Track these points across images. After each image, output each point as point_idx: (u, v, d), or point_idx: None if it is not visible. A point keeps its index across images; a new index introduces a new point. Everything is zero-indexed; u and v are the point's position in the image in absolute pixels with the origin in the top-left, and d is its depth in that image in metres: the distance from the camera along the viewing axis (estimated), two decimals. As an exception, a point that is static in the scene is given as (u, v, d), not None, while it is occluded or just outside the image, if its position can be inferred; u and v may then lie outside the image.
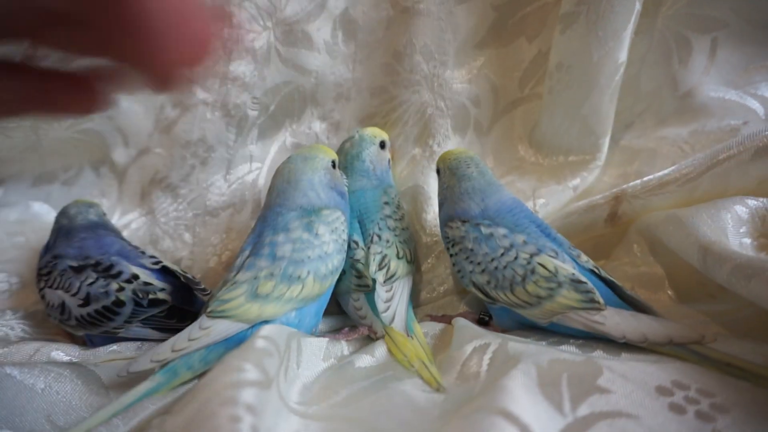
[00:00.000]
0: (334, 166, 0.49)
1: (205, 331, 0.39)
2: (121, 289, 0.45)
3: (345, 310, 0.49)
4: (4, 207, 0.59)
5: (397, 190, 0.55)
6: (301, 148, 0.48)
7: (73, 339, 0.49)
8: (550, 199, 0.54)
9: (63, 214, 0.53)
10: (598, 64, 0.51)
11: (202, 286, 0.44)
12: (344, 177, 0.51)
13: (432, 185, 0.57)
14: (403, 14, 0.57)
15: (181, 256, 0.58)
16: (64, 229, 0.52)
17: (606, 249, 0.53)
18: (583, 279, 0.41)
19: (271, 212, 0.45)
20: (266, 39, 0.57)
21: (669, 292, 0.47)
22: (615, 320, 0.39)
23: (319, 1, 0.56)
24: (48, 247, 0.51)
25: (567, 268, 0.42)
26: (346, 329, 0.47)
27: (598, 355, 0.39)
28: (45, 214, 0.61)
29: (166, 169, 0.59)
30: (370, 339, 0.46)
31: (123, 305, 0.44)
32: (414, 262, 0.50)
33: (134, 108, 0.60)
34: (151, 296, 0.45)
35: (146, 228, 0.59)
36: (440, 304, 0.53)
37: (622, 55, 0.51)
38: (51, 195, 0.61)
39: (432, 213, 0.57)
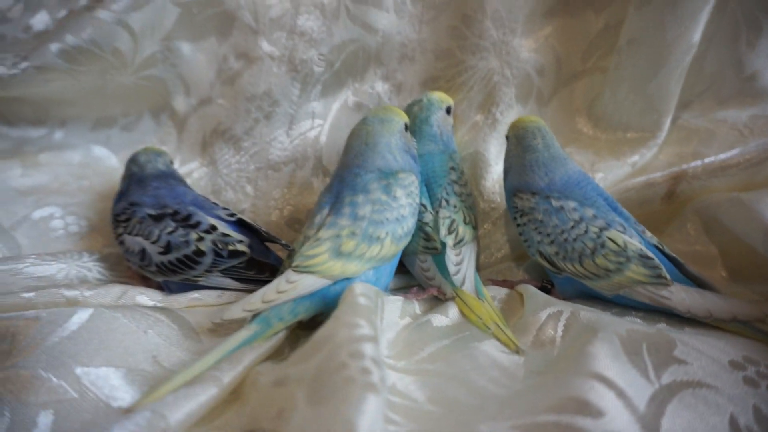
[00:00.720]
0: (406, 128, 0.49)
1: (293, 284, 0.41)
2: (200, 239, 0.47)
3: (410, 271, 0.51)
4: (67, 149, 0.59)
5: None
6: (375, 109, 0.49)
7: (146, 282, 0.51)
8: (608, 174, 0.56)
9: (133, 161, 0.54)
10: (671, 44, 0.52)
11: (284, 242, 0.46)
12: (414, 141, 0.52)
13: (492, 152, 0.59)
14: (475, -23, 0.56)
15: (243, 208, 0.59)
16: (135, 176, 0.53)
17: (659, 225, 0.55)
18: (651, 255, 0.43)
19: (348, 173, 0.47)
20: (336, -6, 0.56)
21: (722, 272, 0.49)
22: (681, 296, 0.42)
23: (392, -41, 0.55)
24: (122, 194, 0.52)
25: (635, 243, 0.44)
26: (415, 289, 0.49)
27: (663, 327, 0.42)
28: (106, 158, 0.61)
29: (229, 120, 0.59)
30: (439, 300, 0.48)
31: (204, 255, 0.46)
32: (477, 228, 0.52)
33: (197, 57, 0.59)
34: (230, 248, 0.46)
35: (208, 178, 0.60)
36: (499, 269, 0.56)
37: (696, 36, 0.51)
38: (110, 139, 0.61)
39: (491, 180, 0.58)
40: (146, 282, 0.51)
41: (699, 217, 0.52)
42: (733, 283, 0.48)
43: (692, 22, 0.50)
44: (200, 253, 0.46)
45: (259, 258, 0.47)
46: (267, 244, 0.50)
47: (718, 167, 0.50)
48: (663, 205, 0.54)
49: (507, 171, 0.51)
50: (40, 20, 0.56)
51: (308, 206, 0.60)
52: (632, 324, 0.40)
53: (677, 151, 0.57)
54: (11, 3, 0.56)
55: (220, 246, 0.46)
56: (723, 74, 0.56)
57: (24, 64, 0.51)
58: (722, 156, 0.50)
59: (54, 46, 0.52)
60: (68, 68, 0.53)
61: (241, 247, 0.47)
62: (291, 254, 0.44)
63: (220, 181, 0.60)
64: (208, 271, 0.47)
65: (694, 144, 0.56)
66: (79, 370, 0.34)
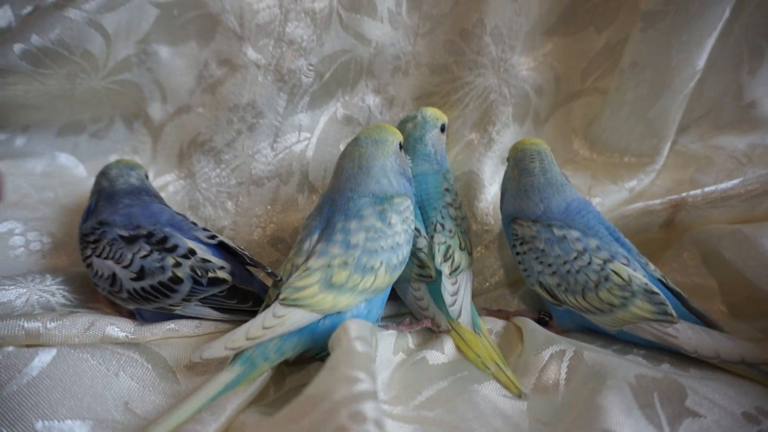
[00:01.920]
0: (400, 147, 0.47)
1: (280, 319, 0.38)
2: (177, 264, 0.43)
3: (401, 298, 0.49)
4: (30, 157, 0.55)
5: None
6: (369, 129, 0.46)
7: (116, 308, 0.47)
8: (605, 199, 0.54)
9: (103, 175, 0.50)
10: (675, 68, 0.50)
11: (270, 270, 0.42)
12: (409, 160, 0.49)
13: (487, 172, 0.56)
14: (475, -10, 0.54)
15: (223, 226, 0.56)
16: (105, 192, 0.48)
17: (655, 252, 0.53)
18: (656, 290, 0.42)
19: (341, 196, 0.44)
20: (328, 1, 0.53)
21: (721, 306, 0.48)
22: (687, 334, 0.40)
23: (387, -34, 0.53)
24: (90, 211, 0.48)
25: (639, 277, 0.42)
26: (407, 320, 0.46)
27: (668, 369, 0.40)
28: (72, 167, 0.56)
29: (209, 131, 0.55)
30: (432, 331, 0.46)
31: (181, 282, 0.42)
32: (472, 254, 0.50)
33: (175, 61, 0.55)
34: (210, 274, 0.43)
35: (185, 192, 0.56)
36: (493, 297, 0.54)
37: (701, 62, 0.50)
38: (78, 146, 0.57)
39: (485, 201, 0.56)
40: (116, 308, 0.47)
41: (698, 248, 0.51)
42: (734, 318, 0.47)
43: (698, 48, 0.49)
44: (177, 280, 0.42)
45: (241, 285, 0.44)
46: (250, 268, 0.47)
47: (718, 197, 0.49)
48: (661, 233, 0.53)
49: (503, 194, 0.49)
50: (2, 16, 0.51)
51: (293, 224, 0.57)
52: (638, 367, 0.38)
53: (675, 177, 0.56)
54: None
55: (199, 273, 0.43)
56: (722, 100, 0.56)
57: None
58: (723, 186, 0.49)
59: (17, 47, 0.47)
60: (32, 71, 0.49)
61: (222, 275, 0.43)
62: (277, 283, 0.41)
63: (198, 195, 0.56)
64: (185, 299, 0.43)
65: (692, 170, 0.55)
66: (39, 425, 0.30)
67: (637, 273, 0.42)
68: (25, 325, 0.39)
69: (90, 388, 0.33)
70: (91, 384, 0.33)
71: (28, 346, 0.36)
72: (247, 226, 0.56)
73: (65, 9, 0.48)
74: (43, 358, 0.33)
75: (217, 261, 0.44)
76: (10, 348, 0.34)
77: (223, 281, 0.43)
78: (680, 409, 0.33)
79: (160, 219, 0.46)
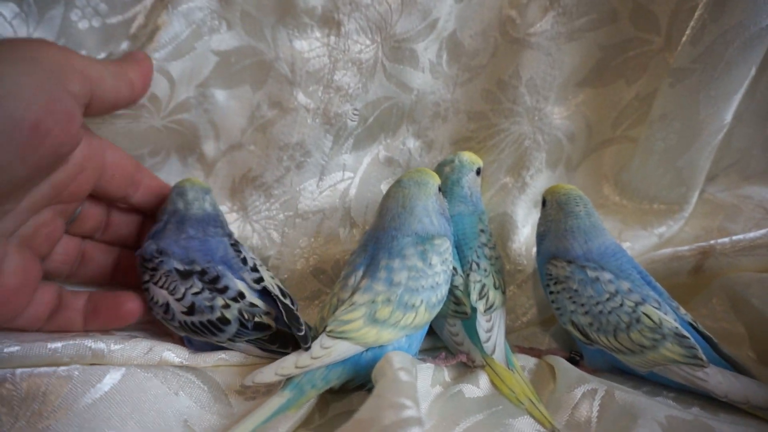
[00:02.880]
0: (439, 190, 0.50)
1: (327, 350, 0.40)
2: (227, 306, 0.45)
3: (438, 333, 0.51)
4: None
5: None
6: (410, 172, 0.49)
7: (168, 333, 0.49)
8: (635, 244, 0.56)
9: (181, 195, 0.51)
10: (703, 122, 0.53)
11: (301, 322, 0.44)
12: (446, 202, 0.52)
13: (520, 215, 0.59)
14: (512, 44, 0.58)
15: (268, 255, 0.59)
16: (178, 214, 0.50)
17: (684, 297, 0.54)
18: (686, 334, 0.43)
19: (384, 235, 0.46)
20: (374, 52, 0.57)
21: (750, 353, 0.49)
22: (718, 378, 0.42)
23: (430, 22, 0.56)
24: (158, 231, 0.50)
25: (670, 320, 0.44)
26: (443, 354, 0.48)
27: (698, 412, 0.41)
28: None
29: (259, 168, 0.59)
30: (467, 366, 0.48)
31: (228, 323, 0.45)
32: (506, 292, 0.52)
33: (230, 103, 0.59)
34: (256, 319, 0.45)
35: (237, 223, 0.59)
36: (524, 334, 0.55)
37: (729, 116, 0.52)
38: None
39: (517, 242, 0.58)
40: (167, 332, 0.49)
41: (726, 294, 0.52)
42: (763, 365, 0.48)
43: (725, 103, 0.51)
44: (225, 320, 0.45)
45: (283, 329, 0.46)
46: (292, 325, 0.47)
47: (747, 246, 0.51)
48: (689, 279, 0.54)
49: (543, 236, 0.51)
50: (79, 60, 0.56)
51: (334, 257, 0.60)
52: (669, 408, 0.39)
53: (703, 225, 0.57)
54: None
55: (246, 316, 0.45)
56: (750, 151, 0.58)
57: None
58: (751, 235, 0.51)
59: (93, 90, 0.52)
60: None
61: (266, 320, 0.46)
62: (298, 324, 0.43)
63: (249, 228, 0.59)
64: (230, 339, 0.45)
65: (720, 219, 0.57)
66: (112, 436, 0.33)
67: (668, 316, 0.44)
68: (92, 345, 0.42)
69: (154, 404, 0.36)
70: (155, 401, 0.36)
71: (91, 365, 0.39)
72: (291, 257, 0.59)
73: (137, 57, 0.53)
74: (114, 375, 0.36)
75: (263, 306, 0.46)
76: (78, 366, 0.37)
77: (267, 327, 0.45)
78: (711, 451, 0.35)
79: (214, 256, 0.48)
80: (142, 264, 0.49)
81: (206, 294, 0.45)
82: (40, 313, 0.44)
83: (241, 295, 0.46)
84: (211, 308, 0.45)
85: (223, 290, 0.46)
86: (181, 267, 0.47)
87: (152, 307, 0.47)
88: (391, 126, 0.60)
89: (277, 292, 0.47)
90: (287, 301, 0.47)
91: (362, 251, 0.47)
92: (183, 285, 0.46)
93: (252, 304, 0.46)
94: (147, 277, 0.48)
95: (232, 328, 0.45)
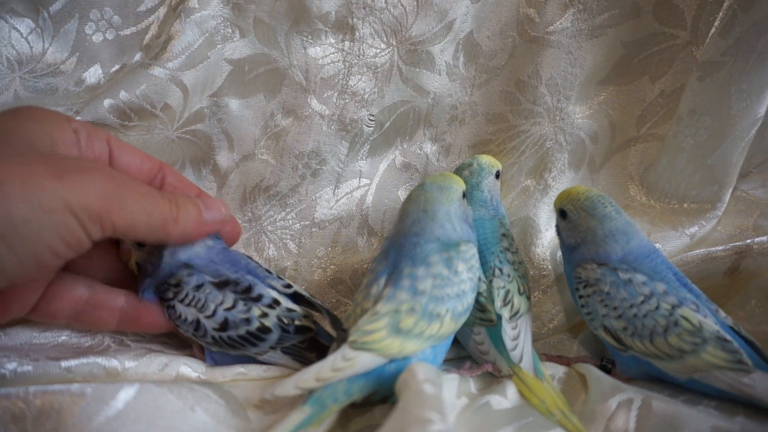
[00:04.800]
0: (464, 196, 0.48)
1: (349, 362, 0.38)
2: (264, 315, 0.44)
3: (462, 343, 0.49)
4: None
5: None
6: (434, 176, 0.48)
7: (183, 346, 0.48)
8: (665, 245, 0.54)
9: None
10: (735, 116, 0.50)
11: (344, 325, 0.42)
12: (470, 209, 0.50)
13: (543, 218, 0.57)
14: (530, 44, 0.56)
15: (285, 266, 0.58)
16: None
17: (719, 300, 0.52)
18: (728, 338, 0.41)
19: (406, 241, 0.45)
20: (389, 56, 0.56)
21: (793, 357, 0.46)
22: (765, 384, 0.39)
23: (446, 23, 0.55)
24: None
25: (711, 324, 0.41)
26: (468, 364, 0.46)
27: (743, 421, 0.38)
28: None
29: (273, 177, 0.58)
30: (493, 375, 0.46)
31: (269, 332, 0.43)
32: (530, 298, 0.50)
33: (244, 113, 0.59)
34: (297, 323, 0.44)
35: (251, 234, 0.58)
36: (551, 342, 0.53)
37: (762, 110, 0.50)
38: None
39: (541, 246, 0.56)
40: (182, 346, 0.48)
41: (766, 296, 0.50)
42: (809, 371, 0.45)
43: (758, 96, 0.49)
44: (266, 329, 0.43)
45: (321, 341, 0.45)
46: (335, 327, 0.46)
47: (786, 245, 0.48)
48: (725, 280, 0.52)
49: (575, 246, 0.48)
50: (93, 74, 0.56)
51: (352, 266, 0.58)
52: (712, 418, 0.37)
53: (737, 224, 0.55)
54: (66, 56, 0.56)
55: (286, 321, 0.44)
56: (784, 147, 0.55)
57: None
58: (790, 233, 0.48)
59: (107, 102, 0.52)
60: (119, 124, 0.53)
61: (306, 323, 0.44)
62: (341, 325, 0.42)
63: (264, 238, 0.58)
64: (272, 348, 0.44)
65: (756, 217, 0.55)
66: (127, 455, 0.32)
67: (707, 320, 0.42)
68: (105, 364, 0.41)
69: (170, 420, 0.35)
70: (170, 417, 0.35)
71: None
72: (309, 267, 0.58)
73: (151, 67, 0.52)
74: (128, 392, 0.35)
75: (299, 309, 0.45)
76: (99, 384, 0.36)
77: (308, 329, 0.44)
78: (761, 464, 0.32)
79: (239, 266, 0.46)
80: (163, 284, 0.45)
81: (240, 307, 0.43)
82: (59, 308, 0.42)
83: (276, 302, 0.44)
84: (248, 320, 0.43)
85: (258, 299, 0.44)
86: (215, 279, 0.44)
87: (180, 325, 0.45)
88: (407, 131, 0.59)
89: (308, 296, 0.46)
90: (318, 302, 0.46)
91: (383, 258, 0.45)
92: (213, 301, 0.43)
93: (289, 309, 0.44)
94: (170, 295, 0.45)
95: (274, 335, 0.43)
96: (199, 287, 0.44)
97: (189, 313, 0.44)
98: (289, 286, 0.46)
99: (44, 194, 0.32)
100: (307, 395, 0.38)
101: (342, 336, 0.40)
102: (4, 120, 0.37)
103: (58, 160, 0.35)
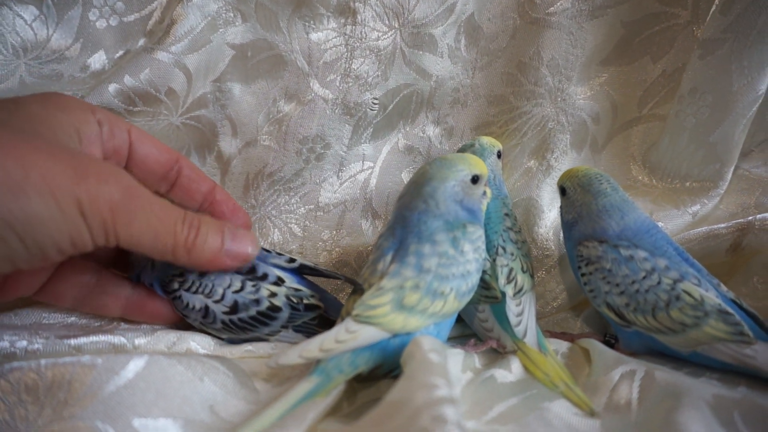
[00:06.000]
0: (474, 180, 0.46)
1: (353, 335, 0.39)
2: (273, 294, 0.44)
3: (466, 321, 0.49)
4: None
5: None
6: (450, 154, 0.48)
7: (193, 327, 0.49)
8: (668, 223, 0.54)
9: None
10: (736, 93, 0.51)
11: (348, 277, 0.44)
12: (485, 195, 0.48)
13: (545, 198, 0.57)
14: (531, 25, 0.56)
15: (291, 249, 0.58)
16: None
17: (722, 277, 0.52)
18: (730, 310, 0.41)
19: (411, 216, 0.45)
20: (392, 39, 0.57)
21: (796, 331, 0.46)
22: (767, 355, 0.39)
23: (448, 5, 0.56)
24: None
25: (712, 297, 0.42)
26: (472, 341, 0.47)
27: (745, 391, 0.39)
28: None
29: (277, 162, 0.59)
30: (497, 352, 0.46)
31: (279, 310, 0.44)
32: (534, 276, 0.50)
33: (246, 98, 0.59)
34: (305, 301, 0.44)
35: (255, 219, 0.59)
36: (555, 320, 0.54)
37: (763, 87, 0.50)
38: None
39: (544, 227, 0.57)
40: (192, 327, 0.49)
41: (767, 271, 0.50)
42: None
43: (759, 73, 0.49)
44: (275, 308, 0.44)
45: (330, 317, 0.45)
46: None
47: (788, 220, 0.48)
48: (728, 257, 0.52)
49: (572, 223, 0.49)
50: (98, 60, 0.56)
51: (357, 249, 0.59)
52: (714, 388, 0.37)
53: (739, 201, 0.55)
54: (70, 42, 0.56)
55: (294, 300, 0.44)
56: (785, 124, 0.55)
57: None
58: (792, 209, 0.49)
59: (112, 87, 0.52)
60: (124, 109, 0.53)
61: (314, 301, 0.45)
62: (356, 291, 0.42)
63: (268, 223, 0.59)
64: (284, 326, 0.44)
65: (757, 194, 0.55)
66: (137, 422, 0.32)
67: (709, 293, 0.42)
68: (114, 341, 0.42)
69: (179, 390, 0.35)
70: (179, 387, 0.35)
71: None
72: (314, 250, 0.58)
73: (154, 51, 0.53)
74: (138, 362, 0.35)
75: (305, 289, 0.46)
76: (109, 355, 0.37)
77: (317, 307, 0.45)
78: (764, 429, 0.33)
79: None
80: (164, 273, 0.45)
81: (249, 288, 0.44)
82: (64, 291, 0.43)
83: (281, 280, 0.45)
84: (257, 301, 0.43)
85: (263, 277, 0.44)
86: None
87: (187, 315, 0.45)
88: (410, 114, 0.59)
89: (309, 263, 0.46)
90: (325, 269, 0.46)
91: (390, 234, 0.45)
92: (220, 285, 0.44)
93: (296, 289, 0.45)
94: (176, 285, 0.45)
95: (284, 314, 0.44)
96: (203, 273, 0.44)
97: (197, 300, 0.44)
98: (292, 260, 0.47)
99: (62, 195, 0.32)
100: (313, 366, 0.38)
101: (360, 289, 0.41)
102: (33, 105, 0.37)
103: (82, 162, 0.34)
